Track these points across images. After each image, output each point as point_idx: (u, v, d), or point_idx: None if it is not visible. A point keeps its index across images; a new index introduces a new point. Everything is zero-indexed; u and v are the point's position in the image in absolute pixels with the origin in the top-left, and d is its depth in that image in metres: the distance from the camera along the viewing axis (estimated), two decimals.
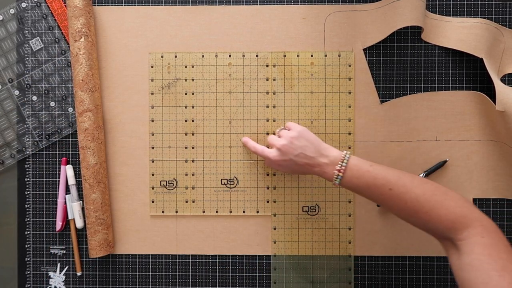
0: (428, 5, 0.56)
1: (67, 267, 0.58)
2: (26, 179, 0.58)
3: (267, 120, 0.57)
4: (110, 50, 0.57)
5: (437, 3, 0.56)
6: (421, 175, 0.55)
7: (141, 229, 0.58)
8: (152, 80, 0.57)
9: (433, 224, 0.42)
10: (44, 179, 0.58)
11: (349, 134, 0.57)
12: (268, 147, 0.54)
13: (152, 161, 0.58)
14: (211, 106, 0.57)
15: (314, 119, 0.57)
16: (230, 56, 0.57)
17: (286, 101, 0.57)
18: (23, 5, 0.57)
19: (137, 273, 0.58)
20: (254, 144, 0.54)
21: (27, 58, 0.57)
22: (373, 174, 0.45)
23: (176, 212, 0.58)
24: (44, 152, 0.58)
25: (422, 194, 0.42)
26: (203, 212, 0.57)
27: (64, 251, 0.58)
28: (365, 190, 0.46)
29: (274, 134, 0.56)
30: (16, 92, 0.57)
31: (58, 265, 0.58)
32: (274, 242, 0.57)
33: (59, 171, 0.57)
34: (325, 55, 0.57)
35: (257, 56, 0.57)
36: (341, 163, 0.46)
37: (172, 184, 0.58)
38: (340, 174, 0.46)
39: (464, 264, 0.38)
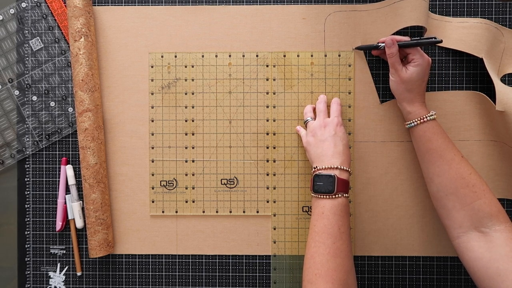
0: (428, 5, 0.56)
1: (67, 267, 0.58)
2: (26, 179, 0.58)
3: (267, 120, 0.57)
4: (110, 50, 0.57)
5: (437, 3, 0.56)
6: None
7: (141, 229, 0.58)
8: (152, 80, 0.57)
9: (481, 206, 0.44)
10: (44, 179, 0.58)
11: (349, 134, 0.57)
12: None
13: (152, 161, 0.58)
14: (211, 106, 0.57)
15: None
16: (230, 56, 0.57)
17: (286, 101, 0.57)
18: (23, 5, 0.57)
19: (137, 273, 0.58)
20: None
21: (27, 58, 0.57)
22: (447, 140, 0.49)
23: (176, 212, 0.58)
24: (44, 152, 0.58)
25: (478, 177, 0.46)
26: (203, 212, 0.57)
27: (64, 251, 0.58)
28: (429, 146, 0.49)
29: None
30: (16, 92, 0.57)
31: (58, 265, 0.58)
32: (274, 242, 0.57)
33: (59, 171, 0.57)
34: (325, 55, 0.57)
35: (257, 56, 0.57)
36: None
37: (172, 184, 0.58)
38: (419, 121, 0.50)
39: (500, 255, 0.41)
